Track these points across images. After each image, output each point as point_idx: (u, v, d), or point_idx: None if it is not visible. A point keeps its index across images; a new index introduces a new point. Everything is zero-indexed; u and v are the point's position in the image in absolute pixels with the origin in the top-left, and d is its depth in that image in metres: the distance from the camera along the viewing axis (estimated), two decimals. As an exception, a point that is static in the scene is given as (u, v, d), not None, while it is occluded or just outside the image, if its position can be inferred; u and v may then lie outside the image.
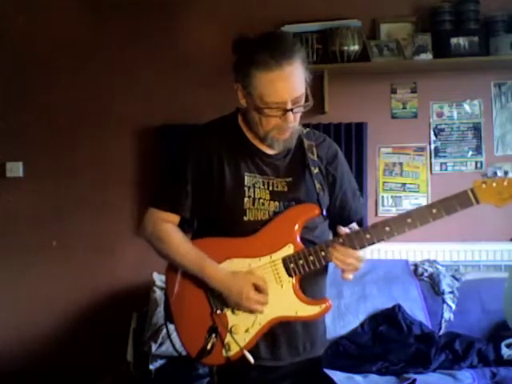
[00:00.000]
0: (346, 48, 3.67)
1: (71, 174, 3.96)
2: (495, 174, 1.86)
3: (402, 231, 1.86)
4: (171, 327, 2.01)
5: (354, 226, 2.10)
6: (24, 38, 3.94)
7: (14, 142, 3.97)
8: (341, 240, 1.87)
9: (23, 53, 3.95)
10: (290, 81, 1.82)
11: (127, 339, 3.49)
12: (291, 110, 1.83)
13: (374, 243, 1.87)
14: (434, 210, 1.84)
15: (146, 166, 3.93)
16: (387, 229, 1.86)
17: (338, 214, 2.05)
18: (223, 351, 1.90)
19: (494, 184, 1.83)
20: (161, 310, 3.36)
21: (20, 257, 3.94)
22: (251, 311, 1.89)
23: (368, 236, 1.86)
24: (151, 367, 3.23)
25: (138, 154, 3.96)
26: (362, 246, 1.87)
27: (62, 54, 3.93)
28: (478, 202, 1.83)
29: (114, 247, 3.95)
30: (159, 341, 3.22)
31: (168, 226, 1.96)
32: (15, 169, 3.95)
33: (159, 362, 3.24)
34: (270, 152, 1.96)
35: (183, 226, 1.99)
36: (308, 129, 2.04)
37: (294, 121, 1.86)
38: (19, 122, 3.97)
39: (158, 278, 3.54)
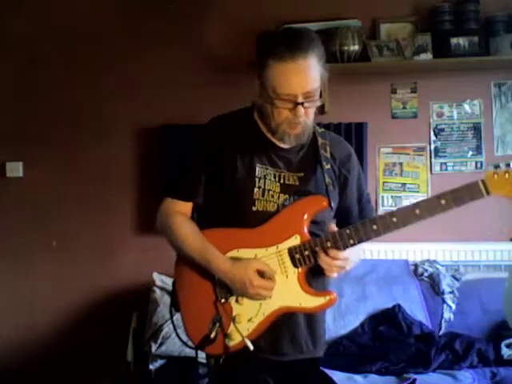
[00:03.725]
0: (346, 48, 3.66)
1: (71, 174, 3.95)
2: (508, 165, 1.82)
3: (409, 222, 1.84)
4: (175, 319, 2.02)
5: None
6: (24, 37, 3.93)
7: (13, 142, 3.96)
8: (347, 231, 1.86)
9: (23, 53, 3.94)
10: (303, 75, 1.84)
11: (127, 339, 3.50)
12: (302, 103, 1.84)
13: (380, 234, 1.86)
14: (443, 201, 1.83)
15: (146, 166, 3.93)
16: (394, 219, 1.84)
17: (340, 217, 2.05)
18: (226, 340, 1.91)
19: (507, 175, 1.79)
20: (161, 310, 3.39)
21: (20, 257, 3.94)
22: (258, 298, 1.88)
23: (375, 227, 1.85)
24: (151, 367, 3.23)
25: (138, 154, 3.96)
26: (369, 238, 1.86)
27: (62, 54, 3.93)
28: (488, 193, 1.80)
29: (114, 247, 3.95)
30: (159, 341, 3.22)
31: (179, 217, 1.99)
32: (15, 169, 3.95)
33: (159, 362, 3.24)
34: (283, 146, 1.97)
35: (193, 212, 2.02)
36: (323, 129, 2.06)
37: (304, 116, 1.87)
38: (19, 122, 3.96)
39: (158, 278, 3.54)
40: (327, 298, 1.90)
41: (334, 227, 1.90)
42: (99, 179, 3.94)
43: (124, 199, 3.94)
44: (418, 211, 1.83)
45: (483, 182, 1.81)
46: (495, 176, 1.80)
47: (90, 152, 3.93)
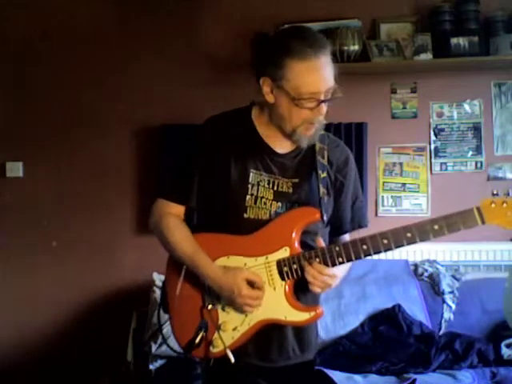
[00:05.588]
0: (346, 48, 3.67)
1: (71, 174, 3.96)
2: (508, 194, 1.76)
3: (401, 245, 1.81)
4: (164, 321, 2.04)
5: (345, 238, 2.06)
6: (24, 37, 3.93)
7: (13, 142, 3.97)
8: (337, 248, 1.84)
9: (23, 53, 3.95)
10: (325, 71, 1.82)
11: (127, 339, 3.50)
12: (324, 101, 1.82)
13: (370, 255, 1.83)
14: (436, 227, 1.79)
15: (146, 166, 3.93)
16: (385, 241, 1.81)
17: (334, 222, 2.02)
18: (209, 347, 1.90)
19: (505, 205, 1.73)
20: (157, 312, 3.38)
21: (20, 257, 3.94)
22: (245, 308, 1.87)
23: (365, 247, 1.82)
24: (151, 367, 3.22)
25: (138, 154, 3.96)
26: (358, 257, 1.84)
27: (62, 54, 3.93)
28: (483, 222, 1.75)
29: (114, 247, 3.95)
30: (159, 341, 3.22)
31: (172, 220, 1.97)
32: (15, 169, 3.95)
33: (159, 362, 3.23)
34: (279, 151, 1.94)
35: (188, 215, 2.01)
36: (323, 132, 2.00)
37: (324, 113, 1.85)
38: (19, 122, 3.97)
39: (158, 278, 3.54)
40: (312, 313, 1.88)
41: (321, 242, 1.87)
42: (99, 179, 3.94)
43: (124, 199, 3.94)
44: (409, 235, 1.80)
45: (478, 209, 1.76)
46: (492, 205, 1.74)
47: (90, 152, 3.94)
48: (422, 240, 1.80)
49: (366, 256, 1.84)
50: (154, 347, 3.22)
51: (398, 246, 1.82)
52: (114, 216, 3.95)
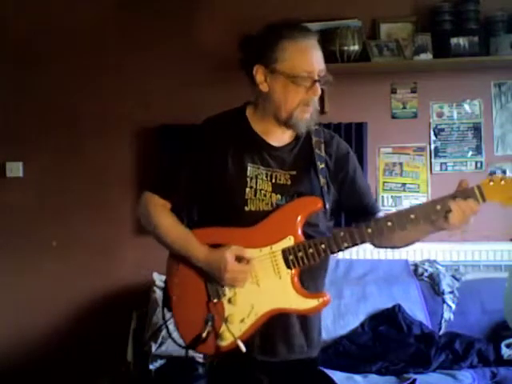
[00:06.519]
0: (345, 48, 3.67)
1: (71, 174, 3.96)
2: (504, 172, 1.81)
3: (404, 227, 1.83)
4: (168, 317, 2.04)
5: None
6: (24, 37, 3.94)
7: (13, 142, 3.97)
8: (341, 234, 1.85)
9: (23, 53, 3.95)
10: (317, 52, 1.91)
11: (127, 339, 3.50)
12: (318, 81, 1.88)
13: (374, 239, 1.87)
14: (438, 207, 1.81)
15: (146, 166, 3.93)
16: (389, 224, 1.83)
17: (359, 210, 2.03)
18: (217, 340, 1.90)
19: (503, 182, 1.78)
20: (161, 310, 3.37)
21: (20, 257, 3.94)
22: (234, 283, 1.88)
23: (369, 230, 1.84)
24: (151, 367, 3.23)
25: (138, 154, 3.96)
26: (363, 241, 1.86)
27: (62, 54, 3.93)
28: (484, 199, 1.79)
29: (114, 247, 3.95)
30: (159, 341, 3.22)
31: (159, 208, 1.98)
32: (15, 169, 3.95)
33: (159, 362, 3.24)
34: (276, 144, 1.97)
35: (181, 214, 2.02)
36: (318, 127, 2.03)
37: (319, 94, 1.91)
38: (19, 122, 3.97)
39: (158, 278, 3.54)
40: (320, 300, 1.89)
41: (466, 183, 1.85)
42: (99, 179, 3.95)
43: (124, 199, 3.94)
44: (412, 216, 1.82)
45: (479, 187, 1.80)
46: (491, 183, 1.79)
47: (90, 152, 3.94)
48: (426, 220, 1.82)
49: (371, 240, 1.86)
50: (154, 347, 3.22)
51: (401, 229, 1.83)
52: (114, 216, 3.95)
